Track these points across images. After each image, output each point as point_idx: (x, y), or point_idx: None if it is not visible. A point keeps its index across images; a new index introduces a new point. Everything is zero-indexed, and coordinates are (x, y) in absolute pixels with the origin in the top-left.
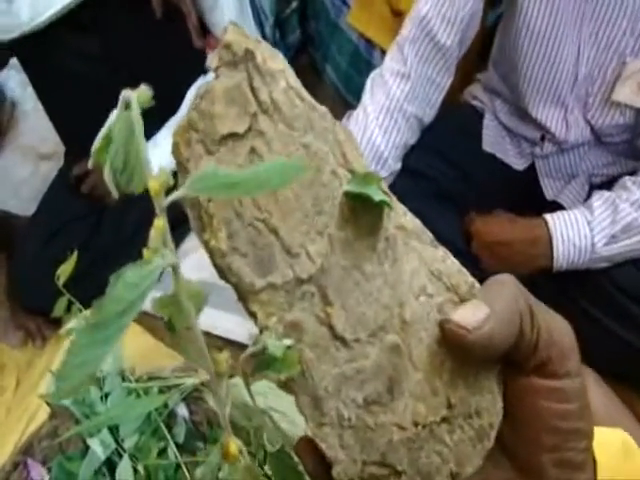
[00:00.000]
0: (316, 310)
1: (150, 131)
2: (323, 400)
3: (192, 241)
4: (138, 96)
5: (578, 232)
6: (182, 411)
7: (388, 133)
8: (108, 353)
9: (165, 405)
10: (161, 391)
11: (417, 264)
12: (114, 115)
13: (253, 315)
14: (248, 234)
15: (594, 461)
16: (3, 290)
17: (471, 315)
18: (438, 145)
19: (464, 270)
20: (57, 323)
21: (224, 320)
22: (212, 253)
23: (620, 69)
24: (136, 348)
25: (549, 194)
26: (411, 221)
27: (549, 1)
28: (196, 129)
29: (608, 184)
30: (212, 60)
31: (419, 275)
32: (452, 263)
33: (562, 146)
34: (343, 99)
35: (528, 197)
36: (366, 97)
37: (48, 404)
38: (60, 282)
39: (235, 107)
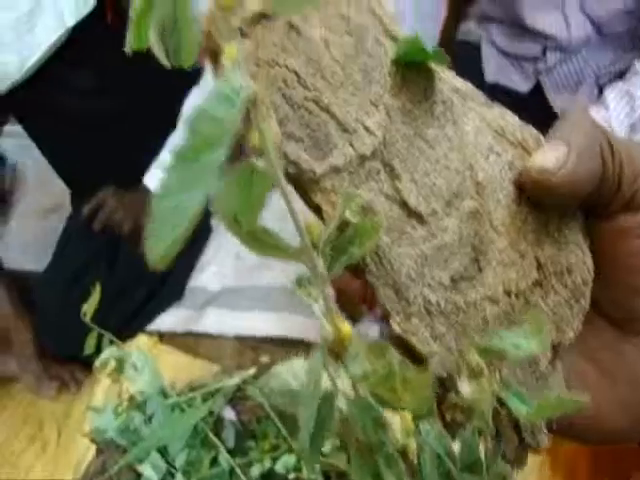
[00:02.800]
0: (385, 188)
1: (149, 153)
2: (407, 288)
3: (209, 252)
4: None
5: None
6: (229, 414)
7: None
8: (205, 193)
9: (211, 412)
10: (205, 399)
11: (478, 123)
12: None
13: (317, 210)
14: (300, 117)
15: None
16: (32, 345)
17: (550, 155)
18: None
19: (526, 124)
20: (90, 367)
21: (253, 319)
22: None
23: None
24: (169, 367)
25: (558, 107)
26: (463, 83)
27: None
28: (225, 9)
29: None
30: None
31: (483, 134)
32: (512, 119)
33: (566, 51)
34: None
35: (537, 117)
36: None
37: (93, 441)
38: (87, 318)
39: None
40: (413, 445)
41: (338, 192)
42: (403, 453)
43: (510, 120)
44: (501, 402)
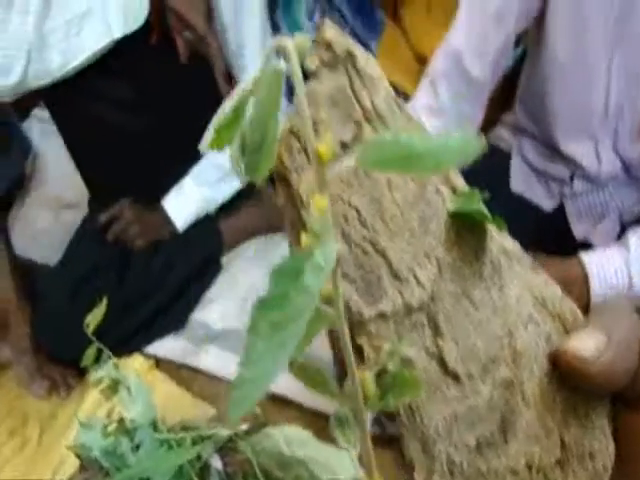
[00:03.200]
0: (426, 342)
1: (171, 176)
2: (434, 443)
3: (217, 289)
4: (297, 43)
5: (614, 270)
6: (216, 462)
7: None
8: (287, 359)
9: (198, 457)
10: (194, 442)
11: (522, 290)
12: (254, 74)
13: (358, 350)
14: (355, 256)
15: None
16: (28, 339)
17: (589, 344)
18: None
19: (566, 297)
20: (82, 373)
21: None
22: None
23: None
24: (161, 397)
25: (579, 234)
26: (512, 243)
27: (577, 32)
28: (299, 136)
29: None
30: (312, 60)
31: (525, 302)
32: (554, 289)
33: (593, 182)
34: None
35: (557, 237)
36: None
37: (77, 456)
38: (89, 330)
39: (339, 113)
40: None
41: (382, 337)
42: None
43: (551, 290)
44: None
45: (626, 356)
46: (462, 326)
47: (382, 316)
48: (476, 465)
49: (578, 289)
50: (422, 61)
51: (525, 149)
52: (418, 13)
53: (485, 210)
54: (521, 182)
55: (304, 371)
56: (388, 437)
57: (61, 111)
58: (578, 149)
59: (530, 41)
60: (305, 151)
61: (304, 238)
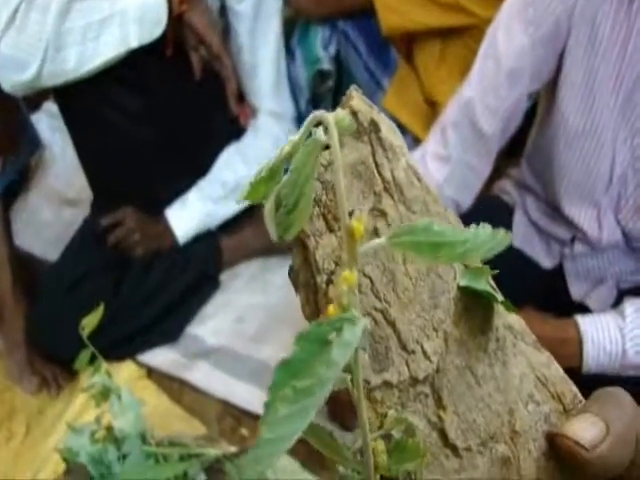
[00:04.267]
0: (428, 413)
1: (173, 188)
2: None
3: (213, 306)
4: (337, 119)
5: (609, 337)
6: None
7: None
8: (303, 427)
9: (185, 474)
10: (181, 458)
11: (525, 368)
12: (294, 139)
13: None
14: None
15: None
16: (22, 332)
17: (588, 431)
18: None
19: (566, 377)
20: (73, 372)
21: (240, 389)
22: None
23: None
24: (150, 407)
25: (576, 295)
26: (517, 320)
27: (587, 103)
28: (318, 202)
29: (637, 290)
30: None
31: (527, 380)
32: (556, 369)
33: (593, 247)
34: None
35: (554, 296)
36: None
37: (64, 459)
38: (84, 334)
39: (360, 183)
40: None
41: (386, 405)
42: None
43: (553, 370)
44: None
45: (623, 447)
46: (464, 400)
47: (387, 384)
48: None
49: (571, 350)
50: (432, 104)
51: (528, 206)
52: (431, 60)
53: (494, 289)
54: (522, 238)
55: (317, 434)
56: None
57: (70, 110)
58: (580, 213)
59: (542, 101)
60: (324, 217)
61: (331, 308)
